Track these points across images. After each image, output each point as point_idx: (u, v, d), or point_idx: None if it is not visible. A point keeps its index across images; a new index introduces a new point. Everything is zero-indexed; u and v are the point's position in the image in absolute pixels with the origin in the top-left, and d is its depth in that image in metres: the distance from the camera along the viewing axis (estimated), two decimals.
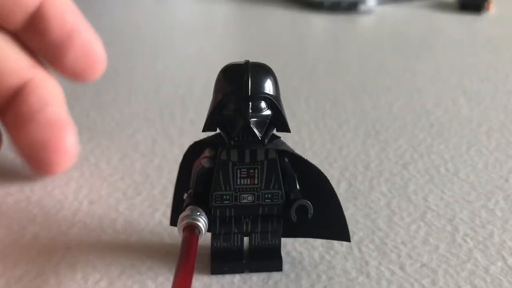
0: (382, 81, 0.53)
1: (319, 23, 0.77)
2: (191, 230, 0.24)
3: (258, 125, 0.23)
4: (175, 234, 0.29)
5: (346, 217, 0.27)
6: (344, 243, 0.29)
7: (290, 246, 0.29)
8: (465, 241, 0.30)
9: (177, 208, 0.28)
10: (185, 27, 0.76)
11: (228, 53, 0.65)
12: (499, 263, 0.28)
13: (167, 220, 0.30)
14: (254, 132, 0.23)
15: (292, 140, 0.40)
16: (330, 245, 0.29)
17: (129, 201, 0.33)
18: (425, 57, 0.62)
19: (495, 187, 0.35)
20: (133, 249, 0.29)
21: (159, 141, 0.41)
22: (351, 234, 0.30)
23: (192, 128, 0.43)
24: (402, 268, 0.28)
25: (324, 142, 0.41)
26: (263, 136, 0.24)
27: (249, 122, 0.23)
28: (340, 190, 0.34)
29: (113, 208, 0.32)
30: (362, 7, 0.78)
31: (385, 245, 0.29)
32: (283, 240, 0.29)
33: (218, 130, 0.24)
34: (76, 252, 0.28)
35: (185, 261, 0.22)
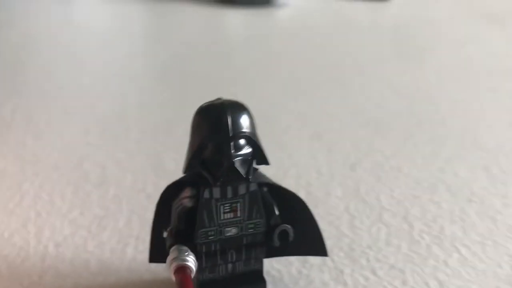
0: (313, 78, 0.55)
1: (234, 19, 0.77)
2: (184, 272, 0.24)
3: (242, 163, 0.24)
4: (153, 269, 0.29)
5: None
6: None
7: (268, 265, 0.30)
8: (422, 237, 0.32)
9: (156, 245, 0.28)
10: (97, 31, 0.73)
11: (150, 57, 0.64)
12: (455, 255, 0.31)
13: (141, 255, 0.30)
14: (239, 172, 0.24)
15: None
16: (304, 259, 0.31)
17: (96, 239, 0.32)
18: (343, 48, 0.64)
19: (437, 180, 0.38)
20: None
21: (109, 167, 0.40)
22: None
23: (138, 149, 0.42)
24: (373, 272, 0.30)
25: (274, 150, 0.42)
26: (247, 173, 0.24)
27: (233, 163, 0.24)
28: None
29: (82, 248, 0.31)
30: (278, 1, 0.80)
31: (353, 251, 0.31)
32: None
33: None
34: None
35: None
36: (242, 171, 0.24)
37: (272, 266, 0.30)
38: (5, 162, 0.40)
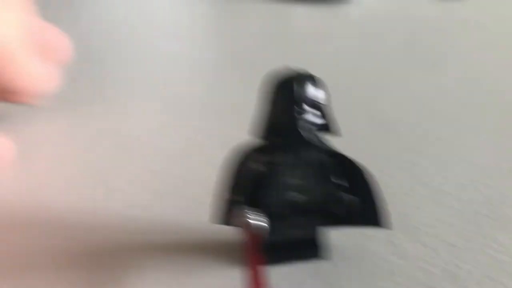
0: (381, 79, 0.56)
1: (305, 16, 0.78)
2: (252, 231, 0.26)
3: (310, 129, 0.26)
4: (216, 230, 0.31)
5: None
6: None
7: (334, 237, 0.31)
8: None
9: (223, 208, 0.29)
10: (167, 26, 0.76)
11: (216, 53, 0.66)
12: None
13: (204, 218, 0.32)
14: (306, 137, 0.25)
15: None
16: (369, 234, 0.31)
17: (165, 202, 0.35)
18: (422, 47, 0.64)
19: None
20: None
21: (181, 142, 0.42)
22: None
23: (208, 128, 0.45)
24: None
25: None
26: (314, 140, 0.26)
27: (301, 128, 0.25)
28: None
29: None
30: None
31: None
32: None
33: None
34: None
35: (254, 260, 0.24)
36: (309, 137, 0.25)
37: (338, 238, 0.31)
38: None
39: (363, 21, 0.74)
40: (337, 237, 0.31)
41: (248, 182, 0.28)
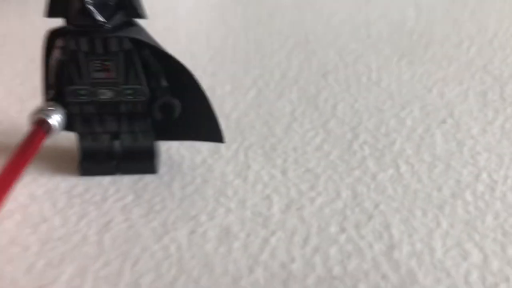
0: None
1: None
2: (40, 125, 0.22)
3: (100, 7, 0.21)
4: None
5: (237, 122, 0.25)
6: (232, 147, 0.28)
7: (174, 150, 0.28)
8: (361, 148, 0.28)
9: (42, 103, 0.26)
10: None
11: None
12: (390, 171, 0.26)
13: None
14: (93, 14, 0.21)
15: (214, 47, 0.38)
16: (216, 149, 0.28)
17: (22, 105, 0.32)
18: None
19: (414, 97, 0.33)
20: (9, 151, 0.28)
21: None
22: (241, 139, 0.29)
23: None
24: (283, 172, 0.26)
25: (247, 51, 0.38)
26: (107, 20, 0.22)
27: (85, 2, 0.21)
28: (248, 97, 0.33)
29: (3, 112, 0.31)
30: None
31: (274, 151, 0.28)
32: (168, 143, 0.28)
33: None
34: None
35: (20, 151, 0.21)
36: (98, 14, 0.21)
37: (179, 152, 0.28)
38: None
39: None
40: (183, 151, 0.27)
41: (53, 74, 0.24)
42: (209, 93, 0.32)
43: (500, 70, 0.36)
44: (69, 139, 0.27)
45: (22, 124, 0.30)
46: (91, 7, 0.21)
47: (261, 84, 0.34)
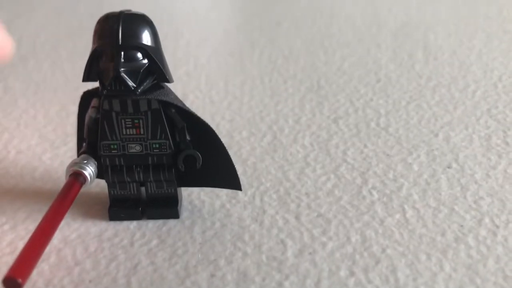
0: (344, 36, 0.53)
1: None
2: (75, 177, 0.25)
3: (131, 74, 0.24)
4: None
5: (253, 167, 0.27)
6: (249, 192, 0.30)
7: (195, 196, 0.30)
8: (370, 193, 0.30)
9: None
10: None
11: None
12: (397, 216, 0.28)
13: None
14: (125, 81, 0.24)
15: (233, 94, 0.41)
16: (234, 195, 0.30)
17: (54, 151, 0.34)
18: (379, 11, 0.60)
19: (421, 141, 0.35)
20: (45, 196, 0.30)
21: None
22: (257, 184, 0.31)
23: None
24: (297, 217, 0.28)
25: (263, 97, 0.41)
26: (137, 86, 0.24)
27: (119, 72, 0.23)
28: (263, 143, 0.35)
29: (37, 158, 0.33)
30: None
31: (288, 196, 0.30)
32: (189, 189, 0.30)
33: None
34: None
35: (59, 202, 0.23)
36: (129, 81, 0.24)
37: (199, 197, 0.30)
38: None
39: None
40: (203, 197, 0.29)
41: (87, 130, 0.26)
42: (227, 138, 0.35)
43: (504, 114, 0.38)
44: (99, 185, 0.29)
45: (55, 170, 0.32)
46: (124, 75, 0.24)
47: (275, 129, 0.36)
